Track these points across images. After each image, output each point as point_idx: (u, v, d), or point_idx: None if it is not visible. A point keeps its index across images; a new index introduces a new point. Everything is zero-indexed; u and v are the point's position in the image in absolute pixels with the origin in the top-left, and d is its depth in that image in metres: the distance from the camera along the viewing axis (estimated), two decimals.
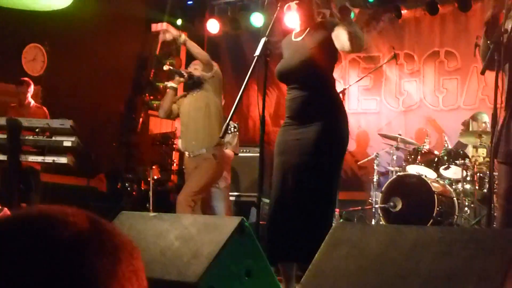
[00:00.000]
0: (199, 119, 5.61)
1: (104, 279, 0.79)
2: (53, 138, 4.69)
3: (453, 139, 7.40)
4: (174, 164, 8.80)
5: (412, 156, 7.18)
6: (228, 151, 6.75)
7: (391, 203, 6.85)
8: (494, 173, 4.01)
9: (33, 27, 7.42)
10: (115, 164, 8.92)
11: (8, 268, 0.77)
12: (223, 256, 2.52)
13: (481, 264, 2.10)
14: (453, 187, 6.89)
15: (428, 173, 6.93)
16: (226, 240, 2.56)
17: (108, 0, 8.63)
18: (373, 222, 7.11)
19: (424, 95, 8.59)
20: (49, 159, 4.74)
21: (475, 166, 6.75)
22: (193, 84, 5.63)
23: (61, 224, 0.81)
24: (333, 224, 3.40)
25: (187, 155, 5.73)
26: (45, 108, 7.13)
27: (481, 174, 6.69)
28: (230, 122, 4.11)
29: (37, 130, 4.69)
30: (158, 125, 9.39)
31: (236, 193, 7.43)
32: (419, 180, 6.76)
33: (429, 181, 6.68)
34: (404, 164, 7.28)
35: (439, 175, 7.01)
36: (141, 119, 9.35)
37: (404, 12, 8.52)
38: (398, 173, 7.11)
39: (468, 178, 6.77)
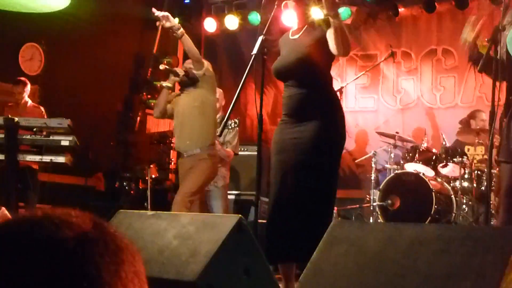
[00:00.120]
0: (194, 118, 5.56)
1: (108, 279, 0.80)
2: (51, 138, 4.68)
3: (450, 137, 7.40)
4: (172, 163, 8.79)
5: (410, 154, 7.19)
6: (228, 150, 6.74)
7: (389, 201, 6.85)
8: (492, 171, 4.02)
9: (30, 26, 7.40)
10: (113, 163, 8.91)
11: (15, 268, 0.78)
12: (221, 255, 2.52)
13: (479, 262, 2.10)
14: (451, 185, 6.89)
15: (426, 171, 6.94)
16: (224, 239, 2.56)
17: None
18: (371, 220, 7.12)
19: (422, 93, 8.60)
20: (46, 158, 4.73)
21: (473, 164, 6.76)
22: (188, 82, 5.60)
23: (66, 225, 0.82)
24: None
25: (182, 155, 5.70)
26: (42, 108, 7.12)
27: (479, 172, 6.70)
28: (229, 119, 4.10)
29: (34, 129, 4.68)
30: (155, 124, 9.38)
31: (236, 192, 7.43)
32: (417, 178, 6.76)
33: (427, 179, 6.68)
34: (402, 162, 7.29)
35: (437, 173, 7.02)
36: (138, 118, 9.34)
37: (401, 10, 8.52)
38: (396, 171, 7.12)
39: (466, 176, 6.78)
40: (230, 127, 6.65)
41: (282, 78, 4.20)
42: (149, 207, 7.44)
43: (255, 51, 3.95)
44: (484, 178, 6.57)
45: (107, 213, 3.64)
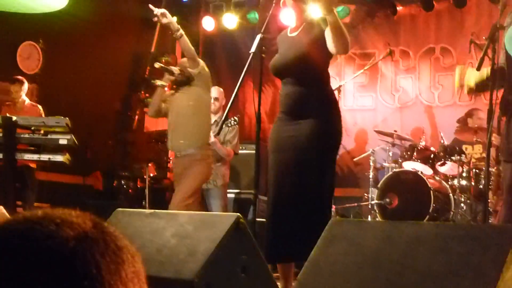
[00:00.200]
0: (188, 117, 5.50)
1: (108, 278, 0.81)
2: (49, 136, 4.67)
3: (449, 136, 7.41)
4: (170, 162, 8.78)
5: (408, 153, 7.19)
6: (229, 149, 6.73)
7: (387, 200, 6.86)
8: (490, 169, 4.03)
9: (28, 25, 7.39)
10: (111, 162, 8.91)
11: (16, 266, 0.78)
12: (219, 253, 2.52)
13: (477, 260, 2.10)
14: (449, 183, 6.90)
15: (424, 170, 6.95)
16: (222, 237, 2.56)
17: None
18: (369, 219, 7.12)
19: (420, 91, 8.60)
20: (44, 157, 4.72)
21: (471, 162, 6.76)
22: (183, 81, 5.56)
23: (66, 224, 0.83)
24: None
25: (176, 155, 5.64)
26: (40, 106, 7.12)
27: (477, 170, 6.71)
28: (228, 117, 4.10)
29: (32, 128, 4.67)
30: (153, 123, 9.36)
31: (236, 190, 7.42)
32: (415, 176, 6.77)
33: (425, 178, 6.69)
34: (400, 160, 7.29)
35: (435, 172, 7.02)
36: (136, 117, 9.34)
37: (399, 8, 8.52)
38: (394, 170, 7.12)
39: (464, 174, 6.78)
40: (229, 125, 6.63)
41: (280, 76, 4.20)
42: (147, 206, 7.44)
43: (253, 49, 3.95)
44: (482, 176, 6.58)
45: (105, 212, 3.63)
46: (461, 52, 8.14)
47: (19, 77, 7.22)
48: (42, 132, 4.68)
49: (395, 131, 7.59)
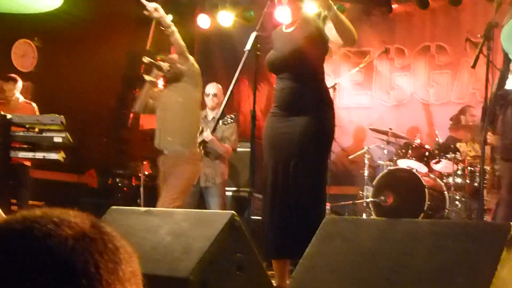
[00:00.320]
0: (176, 114, 5.41)
1: (107, 277, 0.81)
2: (43, 134, 4.65)
3: (444, 133, 7.42)
4: None
5: (403, 151, 7.19)
6: (227, 146, 6.72)
7: (382, 197, 6.86)
8: (486, 167, 4.04)
9: (23, 23, 7.36)
10: (106, 160, 8.89)
11: (15, 265, 0.78)
12: (214, 251, 2.52)
13: (472, 258, 2.10)
14: (444, 181, 6.90)
15: (419, 167, 6.95)
16: (217, 235, 2.56)
17: None
18: (364, 217, 7.12)
19: (415, 89, 8.60)
20: (39, 155, 4.70)
21: (466, 160, 6.77)
22: (172, 77, 5.49)
23: (65, 224, 0.83)
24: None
25: (163, 152, 5.52)
26: (34, 104, 7.10)
27: (472, 168, 6.72)
28: (225, 114, 4.09)
29: (27, 126, 4.66)
30: (148, 121, 9.35)
31: (234, 188, 7.41)
32: (410, 174, 6.77)
33: (420, 175, 6.69)
34: (395, 158, 7.29)
35: (430, 169, 7.03)
36: (131, 115, 9.31)
37: (395, 6, 8.52)
38: (389, 167, 7.12)
39: (459, 172, 6.79)
40: (226, 123, 6.59)
41: (276, 71, 4.20)
42: (142, 204, 7.42)
43: (248, 47, 3.95)
44: (477, 174, 6.59)
45: (100, 210, 3.63)
46: (456, 50, 8.15)
47: (13, 75, 7.19)
48: (36, 130, 4.66)
49: (390, 129, 7.59)
